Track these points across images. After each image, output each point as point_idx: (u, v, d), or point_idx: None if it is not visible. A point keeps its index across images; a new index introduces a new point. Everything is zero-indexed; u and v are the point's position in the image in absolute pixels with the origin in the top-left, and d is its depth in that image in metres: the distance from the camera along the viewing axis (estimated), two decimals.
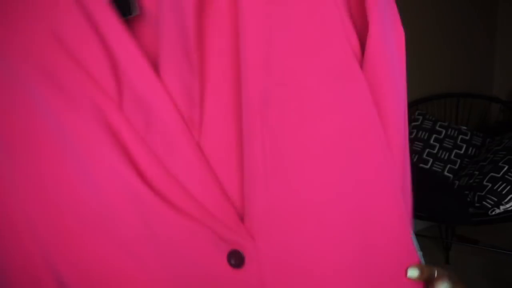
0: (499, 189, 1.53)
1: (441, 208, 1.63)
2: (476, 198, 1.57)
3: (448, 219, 1.71)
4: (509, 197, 1.51)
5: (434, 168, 1.87)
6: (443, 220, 1.75)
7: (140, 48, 0.36)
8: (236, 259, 0.37)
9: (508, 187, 1.52)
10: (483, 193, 1.55)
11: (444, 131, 1.92)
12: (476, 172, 1.67)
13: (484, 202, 1.54)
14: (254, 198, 0.36)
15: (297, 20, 0.36)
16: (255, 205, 0.37)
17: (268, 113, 0.36)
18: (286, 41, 0.36)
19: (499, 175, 1.56)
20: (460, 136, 1.91)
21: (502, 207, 1.52)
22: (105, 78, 0.37)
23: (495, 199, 1.52)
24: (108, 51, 0.36)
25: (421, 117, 1.96)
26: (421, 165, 1.87)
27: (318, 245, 0.38)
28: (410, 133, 1.93)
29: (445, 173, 1.86)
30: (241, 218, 0.37)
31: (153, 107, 0.36)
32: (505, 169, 1.57)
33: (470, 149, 1.89)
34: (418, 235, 2.01)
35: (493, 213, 1.53)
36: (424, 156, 1.88)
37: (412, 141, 1.90)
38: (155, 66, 0.37)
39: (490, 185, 1.55)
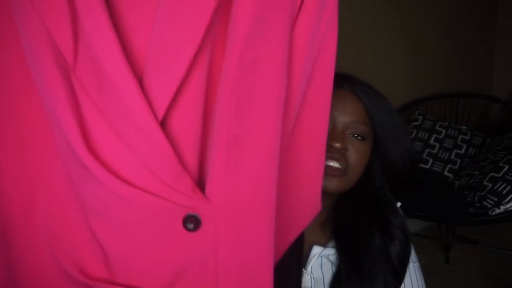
0: (499, 189, 1.52)
1: (441, 208, 1.63)
2: (476, 198, 1.56)
3: (448, 219, 1.71)
4: (509, 197, 1.51)
5: (434, 168, 1.87)
6: (443, 220, 1.74)
7: (107, 13, 0.35)
8: (192, 222, 0.39)
9: (508, 187, 1.52)
10: (483, 193, 1.55)
11: (444, 131, 1.91)
12: (476, 172, 1.67)
13: (484, 202, 1.54)
14: (214, 168, 0.39)
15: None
16: (215, 174, 0.39)
17: (236, 102, 0.39)
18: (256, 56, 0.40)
19: (499, 175, 1.56)
20: (460, 136, 1.91)
21: (502, 207, 1.52)
22: (64, 33, 0.36)
23: (495, 199, 1.52)
24: (72, 6, 0.36)
25: (421, 117, 1.96)
26: (421, 165, 1.87)
27: (260, 205, 0.43)
28: (410, 133, 1.92)
29: (445, 173, 1.85)
30: (198, 186, 0.40)
31: (107, 71, 0.36)
32: (505, 169, 1.57)
33: (470, 149, 1.89)
34: (418, 235, 2.01)
35: (493, 213, 1.53)
36: (424, 156, 1.88)
37: (412, 141, 1.90)
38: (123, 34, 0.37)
39: (490, 185, 1.55)
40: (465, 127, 1.95)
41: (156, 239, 0.40)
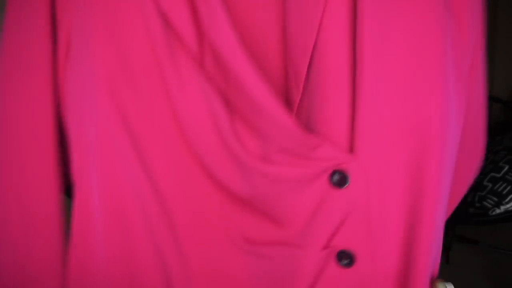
0: (499, 189, 1.53)
1: None
2: (476, 198, 1.56)
3: (448, 219, 1.71)
4: (509, 197, 1.51)
5: None
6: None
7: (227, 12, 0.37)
8: (339, 179, 0.40)
9: (509, 187, 1.52)
10: (483, 193, 1.55)
11: None
12: None
13: (485, 202, 1.54)
14: (359, 119, 0.39)
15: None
16: (360, 125, 0.39)
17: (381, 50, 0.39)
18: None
19: (499, 175, 1.56)
20: None
21: (502, 207, 1.52)
22: (187, 27, 0.38)
23: (496, 199, 1.52)
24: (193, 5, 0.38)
25: None
26: None
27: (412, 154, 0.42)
28: None
29: None
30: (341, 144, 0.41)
31: (231, 67, 0.38)
32: (506, 169, 1.57)
33: None
34: None
35: (494, 213, 1.53)
36: None
37: None
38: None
39: (490, 185, 1.55)
40: None
41: (305, 201, 0.42)
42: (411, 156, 0.42)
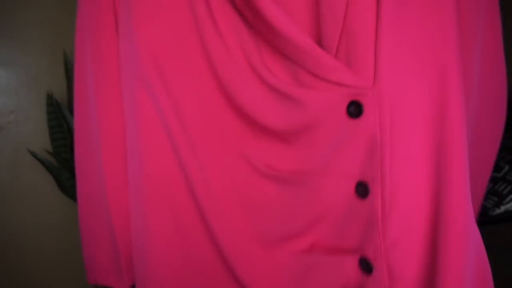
0: (499, 189, 1.53)
1: None
2: None
3: None
4: (509, 197, 1.51)
5: None
6: None
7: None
8: (355, 108, 0.43)
9: (509, 187, 1.52)
10: None
11: None
12: None
13: (485, 202, 1.54)
14: (381, 54, 0.43)
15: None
16: (382, 58, 0.43)
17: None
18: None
19: (499, 175, 1.56)
20: None
21: (502, 207, 1.52)
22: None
23: (496, 199, 1.52)
24: None
25: None
26: None
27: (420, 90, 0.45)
28: None
29: None
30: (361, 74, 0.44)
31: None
32: (506, 169, 1.57)
33: None
34: None
35: (494, 213, 1.53)
36: None
37: None
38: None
39: (490, 185, 1.55)
40: None
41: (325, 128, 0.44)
42: (431, 98, 0.45)
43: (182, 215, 0.49)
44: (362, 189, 0.45)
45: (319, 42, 0.45)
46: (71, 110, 1.60)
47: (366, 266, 0.45)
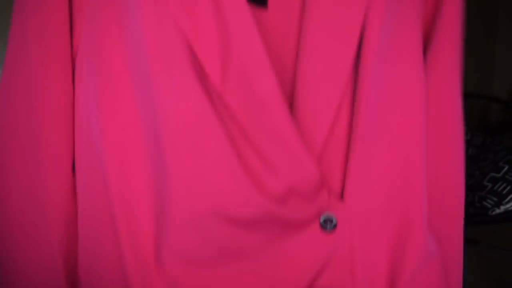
0: (499, 189, 1.53)
1: None
2: (476, 198, 1.56)
3: None
4: (509, 197, 1.51)
5: None
6: None
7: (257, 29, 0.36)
8: (328, 223, 0.42)
9: (509, 187, 1.52)
10: (483, 193, 1.55)
11: None
12: (476, 172, 1.67)
13: (484, 202, 1.54)
14: (350, 170, 0.42)
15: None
16: (350, 175, 0.42)
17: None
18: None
19: (499, 175, 1.56)
20: None
21: (502, 207, 1.52)
22: (212, 53, 0.37)
23: (495, 199, 1.52)
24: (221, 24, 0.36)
25: None
26: None
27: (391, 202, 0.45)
28: None
29: None
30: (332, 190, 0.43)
31: (259, 96, 0.37)
32: (506, 169, 1.57)
33: (470, 149, 1.89)
34: None
35: (494, 213, 1.53)
36: None
37: None
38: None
39: (490, 185, 1.55)
40: (465, 127, 1.95)
41: (294, 242, 0.42)
42: (395, 213, 0.46)
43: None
44: None
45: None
46: None
47: None
